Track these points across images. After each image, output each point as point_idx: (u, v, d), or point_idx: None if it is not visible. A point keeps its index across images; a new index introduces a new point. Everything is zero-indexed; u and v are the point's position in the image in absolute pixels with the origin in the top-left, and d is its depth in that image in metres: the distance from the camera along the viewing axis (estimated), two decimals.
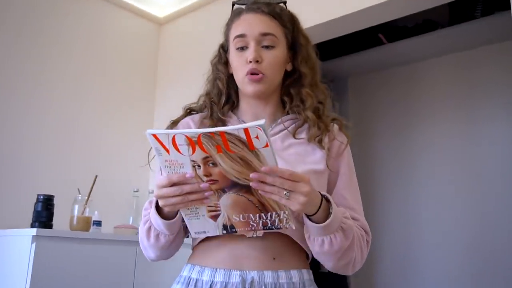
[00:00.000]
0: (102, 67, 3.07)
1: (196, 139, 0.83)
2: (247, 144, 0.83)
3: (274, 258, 1.04)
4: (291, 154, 1.11)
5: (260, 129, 0.81)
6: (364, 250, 1.08)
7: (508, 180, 1.80)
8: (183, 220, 0.99)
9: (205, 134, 0.83)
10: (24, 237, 2.04)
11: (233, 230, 0.95)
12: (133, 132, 3.16)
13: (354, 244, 1.03)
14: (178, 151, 0.86)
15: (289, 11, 1.21)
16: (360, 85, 3.76)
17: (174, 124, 1.25)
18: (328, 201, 0.97)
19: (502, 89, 2.85)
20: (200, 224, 0.95)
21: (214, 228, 0.95)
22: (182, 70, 3.20)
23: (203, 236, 0.99)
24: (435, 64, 3.35)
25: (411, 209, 3.35)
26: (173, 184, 0.89)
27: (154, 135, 0.85)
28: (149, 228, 1.06)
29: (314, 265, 1.14)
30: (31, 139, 2.67)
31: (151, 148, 0.88)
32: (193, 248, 1.13)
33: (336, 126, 1.19)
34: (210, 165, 0.87)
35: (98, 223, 2.48)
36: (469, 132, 3.15)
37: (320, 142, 1.12)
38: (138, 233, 2.56)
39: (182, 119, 1.25)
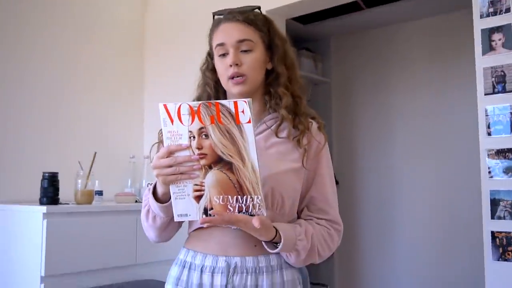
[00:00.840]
0: (91, 36, 3.11)
1: (196, 108, 1.03)
2: (234, 117, 1.02)
3: (255, 245, 1.19)
4: (273, 154, 1.23)
5: (246, 103, 1.01)
6: (331, 244, 1.24)
7: (473, 144, 2.02)
8: None
9: (204, 103, 1.03)
10: (36, 213, 2.25)
11: (213, 215, 1.08)
12: (125, 103, 3.29)
13: (316, 251, 1.20)
14: (180, 120, 1.05)
15: (263, 16, 1.33)
16: (341, 45, 3.90)
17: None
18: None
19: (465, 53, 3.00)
20: (184, 205, 1.08)
21: (195, 212, 1.08)
22: (170, 35, 3.27)
23: (184, 219, 1.11)
24: (407, 27, 3.53)
25: (388, 168, 3.60)
26: (169, 154, 1.07)
27: (165, 105, 1.06)
28: (148, 211, 1.24)
29: None
30: (32, 120, 2.78)
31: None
32: (189, 233, 1.31)
33: (314, 126, 1.31)
34: (203, 136, 1.05)
35: (100, 193, 2.70)
36: (439, 93, 3.35)
37: (298, 141, 1.25)
38: (137, 200, 2.78)
39: None
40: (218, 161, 1.06)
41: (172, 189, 1.09)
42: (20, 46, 2.77)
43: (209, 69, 1.35)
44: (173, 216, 1.11)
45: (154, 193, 1.19)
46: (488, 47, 1.99)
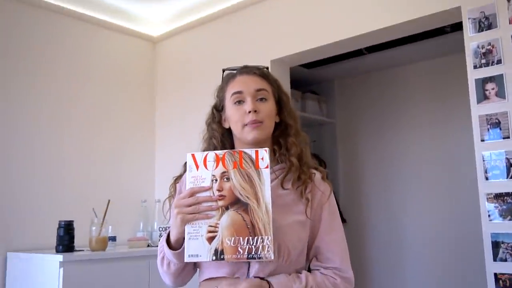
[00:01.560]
0: (103, 90, 3.24)
1: (221, 155, 1.18)
2: (255, 163, 1.16)
3: None
4: (278, 206, 1.25)
5: (265, 151, 1.17)
6: None
7: (473, 176, 2.13)
8: None
9: (229, 151, 1.18)
10: (52, 261, 2.33)
11: (222, 256, 1.13)
12: (137, 150, 3.41)
13: None
14: (205, 166, 1.18)
15: (272, 75, 1.44)
16: (345, 87, 4.03)
17: (176, 179, 1.44)
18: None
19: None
20: (196, 246, 1.14)
21: (206, 253, 1.13)
22: (179, 86, 3.41)
23: (195, 260, 1.15)
24: (407, 70, 3.68)
25: (395, 208, 3.66)
26: (191, 195, 1.17)
27: (193, 155, 1.20)
28: (163, 258, 1.30)
29: None
30: (48, 167, 2.90)
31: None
32: (200, 282, 1.35)
33: (318, 176, 1.37)
34: (225, 180, 1.16)
35: (113, 238, 2.78)
36: (440, 132, 3.45)
37: (301, 193, 1.31)
38: (149, 245, 2.85)
39: (183, 173, 1.42)
40: (235, 203, 1.16)
41: (187, 229, 1.17)
42: (32, 95, 2.88)
43: (216, 121, 1.41)
44: (187, 264, 1.19)
45: (168, 240, 1.26)
46: (482, 96, 2.08)
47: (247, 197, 1.15)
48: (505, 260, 1.98)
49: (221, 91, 1.42)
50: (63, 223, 2.52)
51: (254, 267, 1.23)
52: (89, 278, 2.38)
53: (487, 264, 2.03)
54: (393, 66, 3.69)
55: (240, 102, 1.33)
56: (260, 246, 1.12)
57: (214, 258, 1.14)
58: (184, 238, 1.18)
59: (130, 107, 3.40)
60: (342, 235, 1.36)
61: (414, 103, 3.60)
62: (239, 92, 1.34)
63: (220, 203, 1.16)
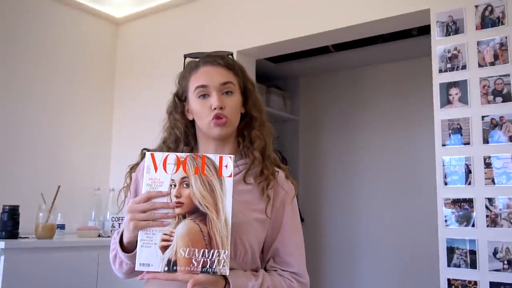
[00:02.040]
0: (60, 69, 3.09)
1: (183, 159, 1.09)
2: (218, 170, 1.08)
3: None
4: (240, 202, 1.21)
5: (230, 158, 1.09)
6: None
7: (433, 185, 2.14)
8: None
9: (191, 155, 1.10)
10: None
11: (174, 268, 1.06)
12: (93, 134, 3.26)
13: None
14: (165, 169, 1.09)
15: (237, 62, 1.37)
16: (310, 85, 4.00)
17: (132, 168, 1.37)
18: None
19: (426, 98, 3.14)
20: (149, 254, 1.07)
21: (158, 263, 1.06)
22: (140, 71, 3.30)
23: (146, 269, 1.08)
24: (373, 70, 3.68)
25: (353, 208, 3.67)
26: (147, 200, 1.08)
27: (152, 154, 1.11)
28: (115, 256, 1.24)
29: None
30: None
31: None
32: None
33: (281, 174, 1.32)
34: (184, 186, 1.09)
35: (61, 226, 2.65)
36: (401, 135, 3.48)
37: (263, 189, 1.26)
38: (100, 234, 2.73)
39: (140, 162, 1.36)
40: (193, 212, 1.08)
41: (141, 235, 1.09)
42: None
43: (178, 111, 1.34)
44: None
45: (121, 240, 1.19)
46: (446, 101, 2.08)
47: (206, 206, 1.08)
48: (459, 266, 1.99)
49: (184, 80, 1.35)
50: (7, 207, 2.38)
51: None
52: (33, 268, 2.25)
53: (441, 269, 2.03)
54: (359, 66, 3.68)
55: (204, 96, 1.27)
56: (216, 260, 1.07)
57: (166, 269, 1.06)
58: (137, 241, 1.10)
59: (87, 89, 3.26)
60: (302, 238, 1.33)
61: (378, 104, 3.62)
62: (204, 86, 1.27)
63: (177, 210, 1.08)
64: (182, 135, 1.34)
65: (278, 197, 1.29)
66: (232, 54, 1.39)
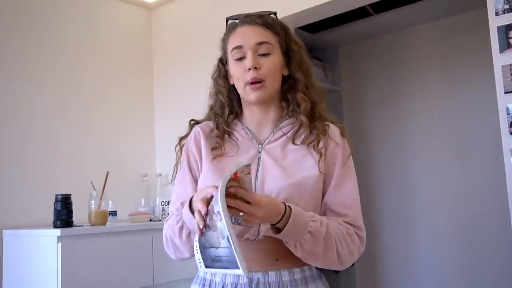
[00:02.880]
0: (99, 60, 3.08)
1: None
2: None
3: (277, 259, 1.16)
4: (289, 161, 1.20)
5: (249, 169, 1.04)
6: (351, 245, 1.16)
7: (492, 144, 1.96)
8: None
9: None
10: (50, 237, 2.20)
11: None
12: (136, 122, 3.25)
13: (334, 242, 1.11)
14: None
15: (280, 21, 1.30)
16: (350, 53, 3.85)
17: (182, 139, 1.34)
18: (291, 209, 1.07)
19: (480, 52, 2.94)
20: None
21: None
22: (178, 53, 3.25)
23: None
24: (419, 31, 3.46)
25: (403, 174, 3.52)
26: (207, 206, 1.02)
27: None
28: (181, 227, 1.18)
29: None
30: (43, 140, 2.74)
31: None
32: None
33: (332, 128, 1.26)
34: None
35: (114, 213, 2.66)
36: (454, 96, 3.29)
37: (314, 147, 1.21)
38: (151, 219, 2.71)
39: (189, 133, 1.34)
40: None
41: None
42: (26, 62, 2.73)
43: (221, 76, 1.32)
44: None
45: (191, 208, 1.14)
46: (506, 45, 1.93)
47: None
48: None
49: (224, 43, 1.31)
50: (60, 196, 2.38)
51: (265, 227, 1.14)
52: (89, 253, 2.25)
53: None
54: (403, 27, 3.46)
55: (241, 58, 1.22)
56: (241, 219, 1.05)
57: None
58: None
59: (127, 77, 3.24)
60: (357, 192, 1.26)
61: (427, 66, 3.42)
62: (239, 47, 1.22)
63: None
64: (226, 100, 1.31)
65: (328, 150, 1.23)
66: (275, 14, 1.32)
